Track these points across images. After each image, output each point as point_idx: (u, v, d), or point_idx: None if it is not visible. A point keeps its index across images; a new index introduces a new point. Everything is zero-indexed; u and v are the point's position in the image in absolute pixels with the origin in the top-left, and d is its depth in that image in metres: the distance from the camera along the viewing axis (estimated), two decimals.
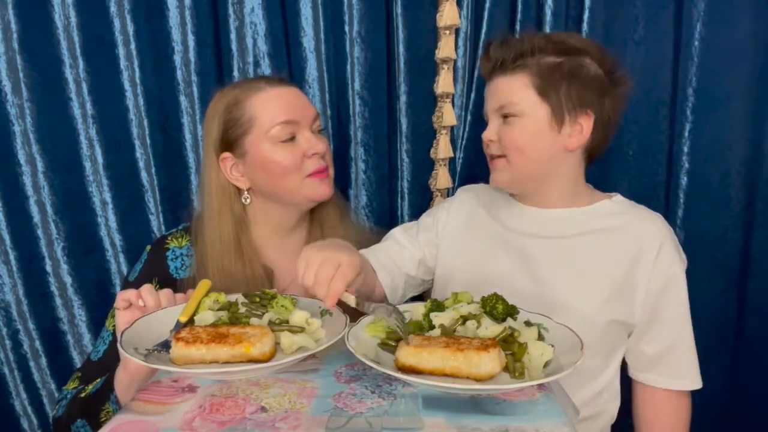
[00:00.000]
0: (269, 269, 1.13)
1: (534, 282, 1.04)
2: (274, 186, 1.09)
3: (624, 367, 1.11)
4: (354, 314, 0.86)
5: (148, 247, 1.16)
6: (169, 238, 1.15)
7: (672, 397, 1.07)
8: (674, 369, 1.07)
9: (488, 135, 1.05)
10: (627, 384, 1.12)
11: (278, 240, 1.16)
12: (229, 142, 1.09)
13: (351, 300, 0.82)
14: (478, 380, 0.70)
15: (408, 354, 0.73)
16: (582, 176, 1.09)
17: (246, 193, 1.12)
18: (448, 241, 1.15)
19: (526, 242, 1.07)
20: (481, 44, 1.37)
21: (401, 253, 1.13)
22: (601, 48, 1.03)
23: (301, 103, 1.10)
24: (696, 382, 1.07)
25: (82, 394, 1.02)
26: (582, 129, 1.01)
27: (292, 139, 1.07)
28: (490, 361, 0.70)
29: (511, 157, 1.03)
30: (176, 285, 1.07)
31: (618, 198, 1.10)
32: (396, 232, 1.18)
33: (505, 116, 1.02)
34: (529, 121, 1.00)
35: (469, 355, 0.70)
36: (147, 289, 0.90)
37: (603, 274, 1.03)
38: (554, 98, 0.99)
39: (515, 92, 1.01)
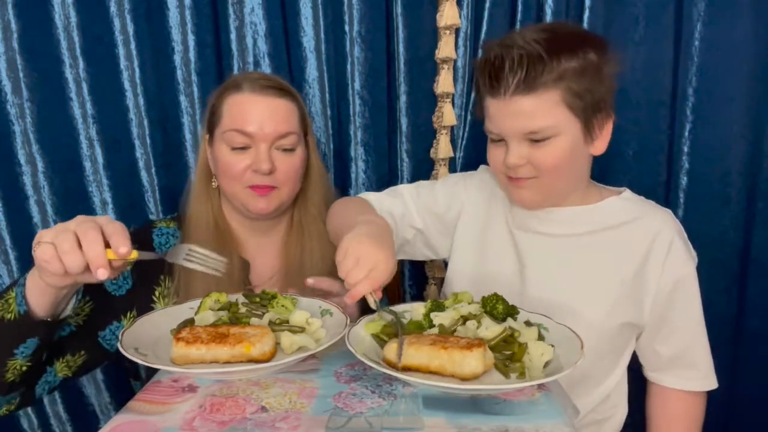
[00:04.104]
0: (246, 262, 1.13)
1: (541, 285, 1.03)
2: (222, 183, 1.10)
3: (631, 366, 1.10)
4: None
5: (132, 227, 1.14)
6: (156, 222, 1.15)
7: (686, 397, 1.06)
8: (689, 370, 1.05)
9: (515, 160, 0.95)
10: (635, 385, 1.12)
11: (254, 239, 1.16)
12: (210, 123, 1.11)
13: (371, 301, 0.81)
14: (462, 379, 0.70)
15: (394, 350, 0.74)
16: (589, 173, 1.06)
17: (214, 177, 1.13)
18: (461, 230, 1.12)
19: (533, 241, 1.05)
20: (481, 44, 1.37)
21: (402, 214, 1.11)
22: (598, 37, 0.96)
23: (269, 119, 1.05)
24: (711, 383, 1.06)
25: None
26: (607, 132, 0.98)
27: (245, 148, 1.05)
28: (474, 360, 0.70)
29: (544, 178, 0.97)
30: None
31: (626, 194, 1.07)
32: (406, 192, 1.14)
33: (536, 139, 0.94)
34: (563, 139, 0.94)
35: (453, 354, 0.70)
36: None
37: (612, 276, 1.01)
38: (585, 111, 0.93)
39: (546, 115, 0.92)
